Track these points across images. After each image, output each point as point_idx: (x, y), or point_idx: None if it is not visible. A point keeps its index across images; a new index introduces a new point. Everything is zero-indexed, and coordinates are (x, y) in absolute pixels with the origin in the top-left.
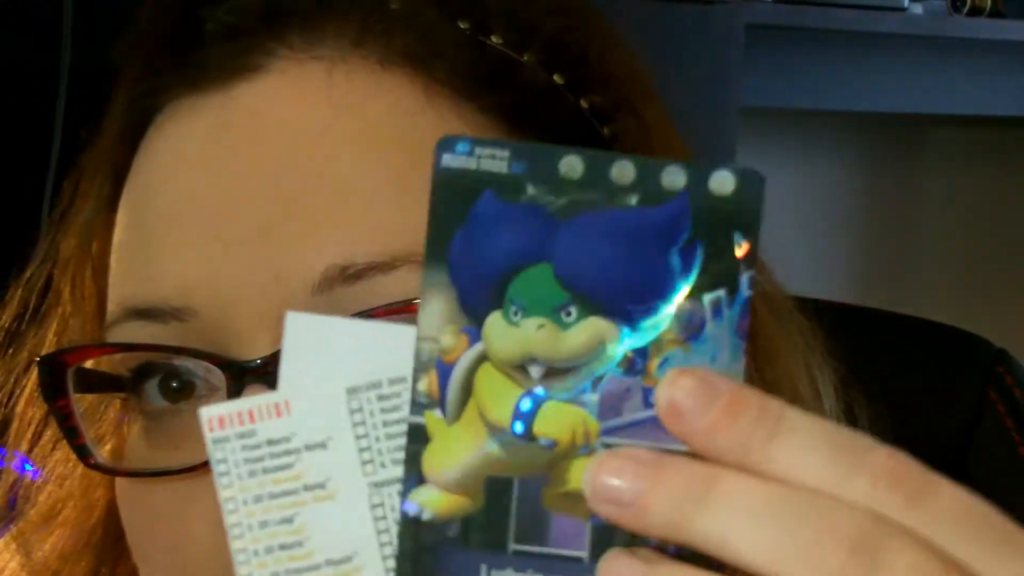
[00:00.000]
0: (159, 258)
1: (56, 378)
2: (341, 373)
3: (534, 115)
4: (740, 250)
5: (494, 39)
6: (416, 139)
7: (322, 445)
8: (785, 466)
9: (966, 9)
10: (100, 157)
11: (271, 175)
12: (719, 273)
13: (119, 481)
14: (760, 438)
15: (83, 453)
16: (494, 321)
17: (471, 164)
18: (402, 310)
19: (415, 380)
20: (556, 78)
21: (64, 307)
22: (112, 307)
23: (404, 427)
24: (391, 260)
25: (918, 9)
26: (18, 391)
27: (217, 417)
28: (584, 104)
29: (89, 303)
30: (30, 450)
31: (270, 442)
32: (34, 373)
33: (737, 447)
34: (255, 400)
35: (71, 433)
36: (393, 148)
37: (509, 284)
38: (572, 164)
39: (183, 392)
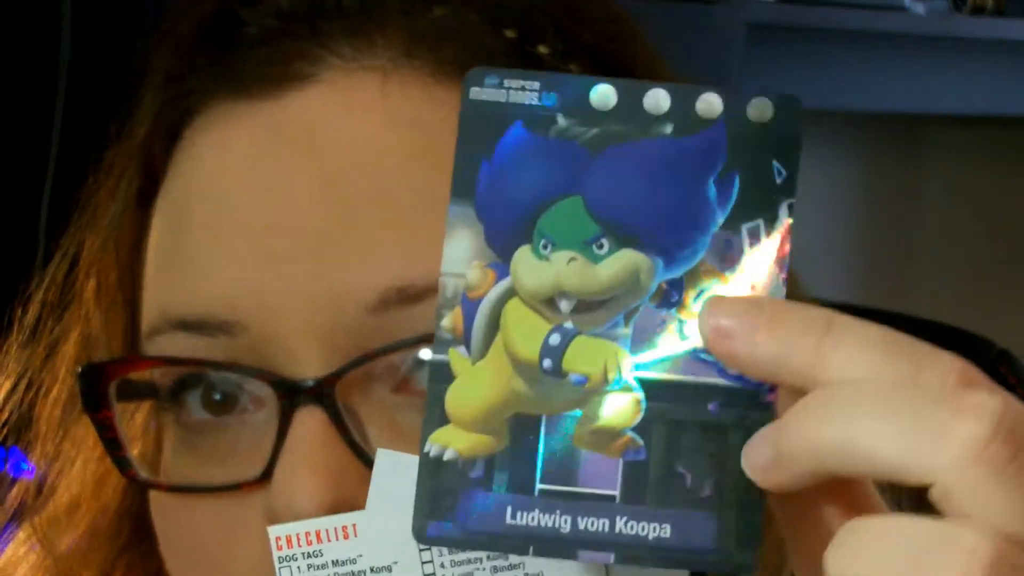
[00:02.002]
0: (205, 269)
1: (98, 389)
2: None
3: None
4: (779, 178)
5: (541, 49)
6: None
7: (388, 569)
8: (840, 368)
9: (967, 8)
10: (128, 153)
11: (326, 190)
12: (757, 202)
13: (156, 492)
14: (810, 344)
15: (124, 466)
16: (522, 255)
17: (500, 96)
18: None
19: (439, 316)
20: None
21: (87, 308)
22: (152, 315)
23: (470, 559)
24: None
25: (919, 8)
26: (35, 389)
27: (284, 536)
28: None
29: (116, 307)
30: (48, 450)
31: (335, 563)
32: (55, 372)
33: (787, 356)
34: (323, 521)
35: (112, 445)
36: (446, 163)
37: (538, 218)
38: (605, 94)
39: (226, 405)
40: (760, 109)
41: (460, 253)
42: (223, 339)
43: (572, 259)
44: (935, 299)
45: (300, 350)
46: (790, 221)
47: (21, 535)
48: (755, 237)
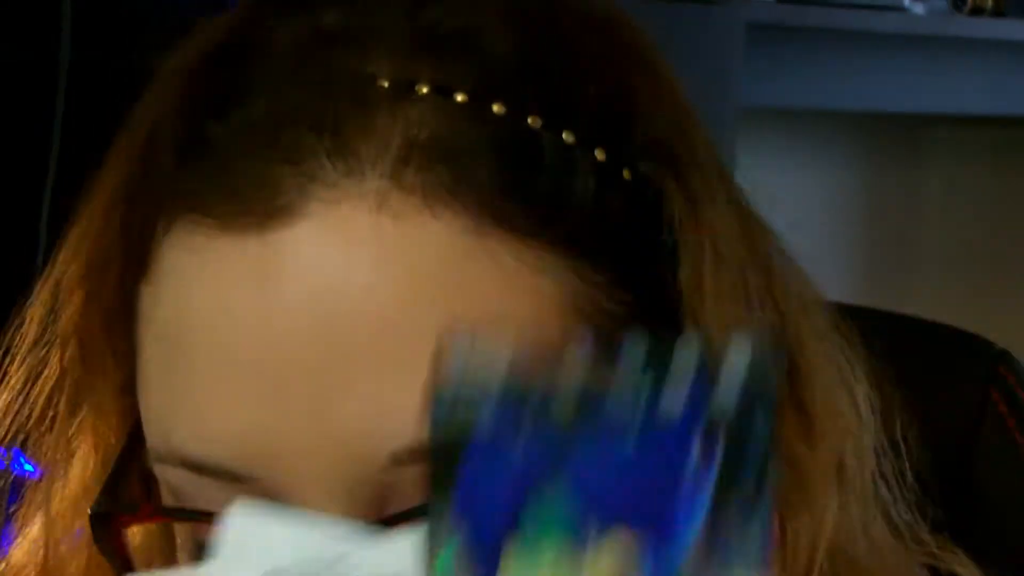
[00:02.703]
0: (208, 414)
1: (111, 534)
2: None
3: (588, 225)
4: (762, 438)
5: (531, 121)
6: (473, 290)
7: None
8: None
9: (967, 9)
10: (97, 214)
11: (328, 342)
12: (742, 468)
13: None
14: None
15: None
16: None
17: (461, 415)
18: None
19: None
20: (597, 154)
21: (74, 373)
22: (157, 441)
23: None
24: None
25: (919, 9)
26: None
27: None
28: (627, 175)
29: (106, 370)
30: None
31: None
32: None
33: None
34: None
35: (126, 567)
36: (451, 304)
37: (519, 519)
38: (565, 404)
39: None
40: (725, 398)
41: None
42: (234, 484)
43: (555, 558)
44: (935, 299)
45: (316, 503)
46: (776, 481)
47: (34, 532)
48: (743, 509)
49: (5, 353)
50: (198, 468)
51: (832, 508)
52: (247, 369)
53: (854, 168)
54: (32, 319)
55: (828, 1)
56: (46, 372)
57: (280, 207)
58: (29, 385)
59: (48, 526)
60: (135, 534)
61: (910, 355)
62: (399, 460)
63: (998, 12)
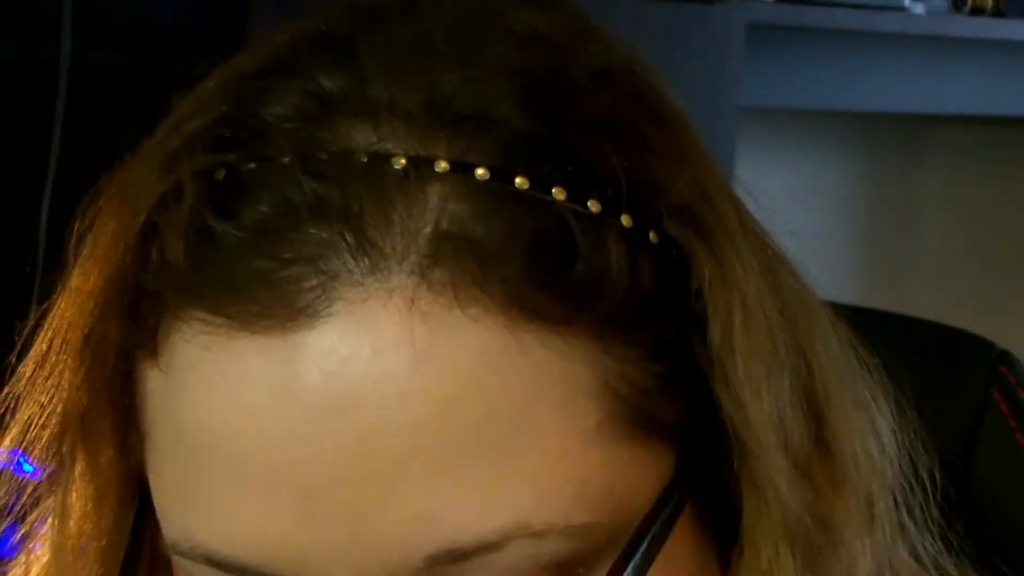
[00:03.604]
0: (235, 519)
1: None
2: None
3: (624, 311)
4: None
5: (555, 192)
6: (505, 388)
7: None
8: None
9: (967, 9)
10: (105, 295)
11: (358, 445)
12: None
13: None
14: None
15: None
16: None
17: None
18: None
19: None
20: (624, 220)
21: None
22: (176, 535)
23: None
24: (500, 539)
25: (919, 9)
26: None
27: None
28: (653, 239)
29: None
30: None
31: None
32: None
33: None
34: None
35: None
36: (482, 403)
37: None
38: None
39: None
40: None
41: None
42: None
43: None
44: (934, 299)
45: None
46: None
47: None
48: None
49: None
50: (223, 566)
51: (864, 558)
52: (273, 478)
53: (854, 168)
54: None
55: (828, 1)
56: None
57: (302, 308)
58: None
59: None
60: None
61: (910, 356)
62: (436, 562)
63: (998, 12)
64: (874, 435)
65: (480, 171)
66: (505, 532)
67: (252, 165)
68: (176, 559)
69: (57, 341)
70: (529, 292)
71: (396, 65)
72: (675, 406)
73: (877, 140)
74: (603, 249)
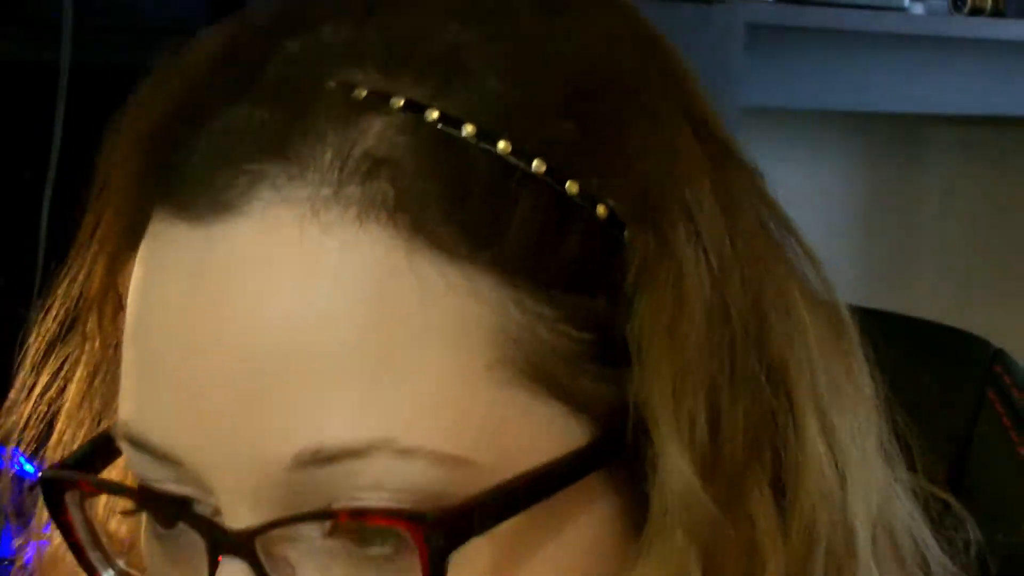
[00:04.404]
0: (148, 400)
1: (55, 497)
2: None
3: (536, 256)
4: None
5: (500, 145)
6: (392, 308)
7: None
8: None
9: (967, 9)
10: (115, 198)
11: (242, 346)
12: None
13: None
14: None
15: (90, 570)
16: None
17: None
18: (368, 516)
19: None
20: (569, 186)
21: (92, 350)
22: (118, 417)
23: None
24: (364, 447)
25: (918, 9)
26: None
27: None
28: (601, 211)
29: (114, 356)
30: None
31: None
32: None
33: None
34: None
35: (74, 548)
36: (366, 319)
37: None
38: None
39: (173, 522)
40: None
41: None
42: (167, 463)
43: None
44: (932, 298)
45: (229, 505)
46: None
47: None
48: None
49: (14, 353)
50: (137, 444)
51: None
52: (179, 371)
53: (854, 168)
54: (50, 315)
55: (828, 1)
56: (65, 369)
57: (224, 202)
58: (47, 382)
59: None
60: (120, 523)
61: (906, 354)
62: (303, 461)
63: (998, 12)
64: (863, 441)
65: (433, 114)
66: (370, 443)
67: (234, 85)
68: (118, 440)
69: (84, 235)
70: (434, 223)
71: (395, 18)
72: (601, 383)
73: (877, 140)
74: (515, 196)
